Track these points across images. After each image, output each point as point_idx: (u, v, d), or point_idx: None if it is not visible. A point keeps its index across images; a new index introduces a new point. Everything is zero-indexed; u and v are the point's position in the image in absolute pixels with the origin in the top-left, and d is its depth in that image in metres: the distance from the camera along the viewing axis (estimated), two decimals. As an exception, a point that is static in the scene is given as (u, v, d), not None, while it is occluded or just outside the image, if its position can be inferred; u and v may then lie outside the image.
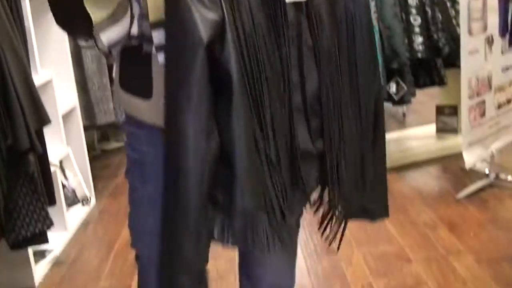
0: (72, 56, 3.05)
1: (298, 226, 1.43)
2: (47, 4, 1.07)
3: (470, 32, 2.91)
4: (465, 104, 2.87)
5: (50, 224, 2.16)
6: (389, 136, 3.83)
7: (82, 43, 1.11)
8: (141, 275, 1.36)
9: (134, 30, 1.07)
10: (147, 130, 1.16)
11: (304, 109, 1.14)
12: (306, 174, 1.15)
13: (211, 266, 2.28)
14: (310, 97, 1.14)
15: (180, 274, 1.11)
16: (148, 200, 1.21)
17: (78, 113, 3.09)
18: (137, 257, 1.32)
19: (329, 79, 1.15)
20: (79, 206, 3.02)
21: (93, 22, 1.03)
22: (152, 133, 1.13)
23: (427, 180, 3.25)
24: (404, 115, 4.33)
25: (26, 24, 2.39)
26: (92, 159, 3.31)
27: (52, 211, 2.21)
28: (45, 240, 2.19)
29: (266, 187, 1.09)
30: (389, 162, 3.58)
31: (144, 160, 1.19)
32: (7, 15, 2.08)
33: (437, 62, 3.37)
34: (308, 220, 2.75)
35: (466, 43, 2.86)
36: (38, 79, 2.41)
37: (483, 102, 2.99)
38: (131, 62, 1.16)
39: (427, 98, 4.11)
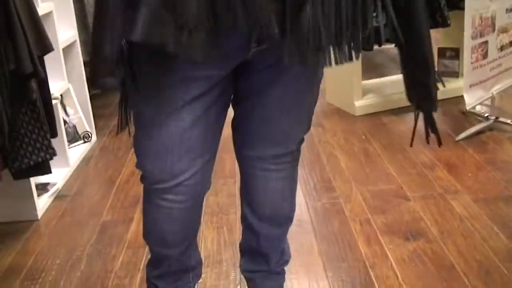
0: (71, -9, 3.01)
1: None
2: None
3: (475, -29, 2.87)
4: (467, 44, 2.85)
5: (52, 153, 2.16)
6: (389, 78, 3.82)
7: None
8: (146, 196, 1.38)
9: None
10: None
11: None
12: None
13: (212, 202, 2.34)
14: None
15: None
16: (150, 119, 1.23)
17: (78, 48, 3.07)
18: (142, 178, 1.35)
19: None
20: (80, 142, 3.04)
21: None
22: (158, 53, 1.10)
23: (426, 121, 3.26)
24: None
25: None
26: (92, 98, 3.30)
27: (53, 145, 2.21)
28: (47, 170, 2.20)
29: None
30: (389, 104, 3.60)
31: (153, 83, 1.19)
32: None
33: (440, 2, 3.33)
34: (308, 158, 2.77)
35: (471, -19, 2.83)
36: (38, 11, 2.38)
37: (486, 42, 2.97)
38: None
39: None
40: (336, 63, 1.15)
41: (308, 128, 1.44)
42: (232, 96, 1.34)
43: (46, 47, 2.09)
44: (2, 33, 1.85)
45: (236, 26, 1.02)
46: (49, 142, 2.12)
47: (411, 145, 1.41)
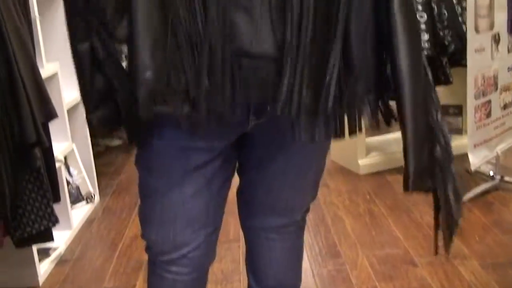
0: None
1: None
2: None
3: (476, 30, 2.89)
4: (470, 104, 2.86)
5: (55, 221, 2.14)
6: (392, 136, 3.82)
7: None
8: (151, 266, 1.36)
9: None
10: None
11: None
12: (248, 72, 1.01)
13: (216, 268, 2.30)
14: None
15: None
16: (152, 189, 1.23)
17: (83, 109, 3.07)
18: (147, 249, 1.33)
19: None
20: (83, 203, 3.02)
21: None
22: (158, 123, 1.11)
23: (431, 180, 3.24)
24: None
25: (32, 16, 2.37)
26: (96, 155, 3.30)
27: (56, 208, 2.20)
28: (50, 238, 2.18)
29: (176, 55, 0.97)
30: (393, 162, 3.58)
31: (151, 150, 1.19)
32: (14, 6, 2.06)
33: (442, 60, 3.35)
34: (313, 221, 2.74)
35: (473, 40, 2.85)
36: (43, 72, 2.39)
37: (489, 102, 2.98)
38: None
39: (431, 96, 4.09)
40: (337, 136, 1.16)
41: (314, 198, 1.42)
42: (236, 165, 1.34)
43: (50, 113, 2.09)
44: (7, 102, 1.86)
45: (234, 102, 1.02)
46: (52, 209, 2.10)
47: (435, 254, 1.37)
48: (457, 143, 3.47)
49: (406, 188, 1.20)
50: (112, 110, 1.07)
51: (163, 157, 1.18)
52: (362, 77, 1.08)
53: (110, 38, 1.00)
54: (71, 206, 2.79)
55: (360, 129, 1.18)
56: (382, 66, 1.12)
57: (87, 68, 1.06)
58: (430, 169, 1.23)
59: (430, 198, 1.27)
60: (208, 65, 0.98)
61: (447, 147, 1.25)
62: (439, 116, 1.22)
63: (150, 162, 1.21)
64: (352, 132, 1.17)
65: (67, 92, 2.87)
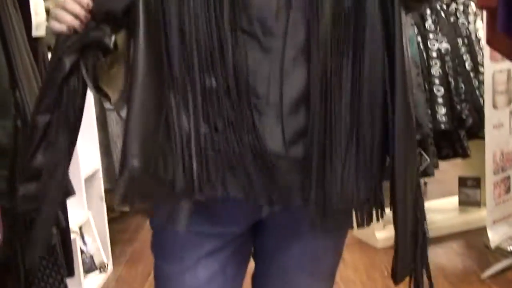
0: (97, 120, 3.07)
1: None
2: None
3: (494, 106, 2.90)
4: (489, 180, 2.84)
5: (68, 297, 2.13)
6: (411, 206, 3.77)
7: (108, 105, 1.17)
8: None
9: None
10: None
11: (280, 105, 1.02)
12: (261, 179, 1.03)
13: None
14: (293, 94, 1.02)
15: None
16: (166, 274, 1.21)
17: (100, 177, 3.09)
18: None
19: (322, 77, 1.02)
20: (96, 272, 2.99)
21: (112, 102, 1.11)
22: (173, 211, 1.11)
23: (450, 256, 3.18)
24: (425, 184, 4.28)
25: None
26: (110, 221, 3.28)
27: (69, 279, 2.18)
28: (62, 312, 2.16)
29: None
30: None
31: (164, 234, 1.19)
32: (33, 70, 2.08)
33: (460, 133, 3.34)
34: None
35: (491, 116, 2.85)
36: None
37: (508, 177, 2.95)
38: None
39: (448, 167, 4.05)
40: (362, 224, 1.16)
41: (331, 285, 1.39)
42: (252, 250, 1.32)
43: (67, 191, 2.09)
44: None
45: (249, 198, 1.03)
46: (65, 286, 2.08)
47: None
48: (475, 217, 3.44)
49: (395, 282, 1.24)
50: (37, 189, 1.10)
51: (175, 242, 1.17)
52: (376, 176, 1.12)
53: None
54: (84, 275, 2.76)
55: (369, 223, 1.19)
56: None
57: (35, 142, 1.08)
58: (414, 257, 1.25)
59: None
60: (201, 155, 1.00)
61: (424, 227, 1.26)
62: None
63: (163, 246, 1.20)
64: (360, 225, 1.18)
65: (85, 161, 2.89)
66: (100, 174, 3.10)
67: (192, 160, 1.00)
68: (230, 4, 0.98)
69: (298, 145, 1.03)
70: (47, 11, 2.30)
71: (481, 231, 3.26)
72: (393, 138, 1.09)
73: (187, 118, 1.00)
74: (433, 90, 3.23)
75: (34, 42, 2.11)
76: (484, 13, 2.34)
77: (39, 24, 2.12)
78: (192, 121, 1.00)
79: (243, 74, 0.99)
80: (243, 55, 0.99)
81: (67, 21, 1.04)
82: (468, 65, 3.34)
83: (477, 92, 3.32)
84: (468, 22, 3.44)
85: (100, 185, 3.09)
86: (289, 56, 1.00)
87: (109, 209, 3.28)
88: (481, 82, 3.24)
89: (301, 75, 1.01)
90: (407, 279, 1.25)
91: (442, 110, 3.21)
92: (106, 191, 3.18)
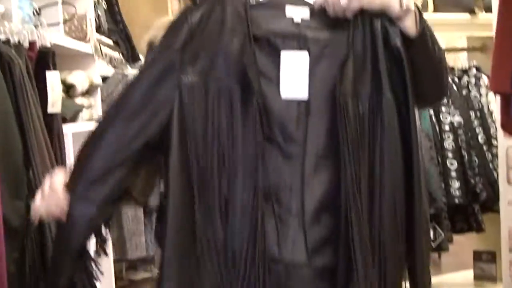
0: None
1: None
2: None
3: (509, 182, 2.87)
4: (505, 257, 2.79)
5: None
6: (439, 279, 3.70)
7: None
8: None
9: None
10: None
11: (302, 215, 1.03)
12: None
13: None
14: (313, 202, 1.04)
15: None
16: None
17: (109, 249, 3.06)
18: None
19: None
20: None
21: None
22: None
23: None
24: (439, 256, 4.20)
25: (67, 162, 2.40)
26: (119, 292, 3.24)
27: None
28: None
29: None
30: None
31: None
32: (47, 148, 2.09)
33: (474, 207, 3.30)
34: None
35: (505, 192, 2.82)
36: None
37: (524, 255, 2.90)
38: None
39: (463, 239, 3.99)
40: None
41: None
42: None
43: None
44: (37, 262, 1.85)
45: None
46: None
47: None
48: (492, 293, 3.36)
49: None
50: None
51: None
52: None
53: None
54: None
55: None
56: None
57: None
58: None
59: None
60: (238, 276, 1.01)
61: None
62: None
63: None
64: None
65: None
66: (110, 247, 3.06)
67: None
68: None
69: (322, 253, 1.04)
70: (63, 82, 2.35)
71: (498, 308, 3.18)
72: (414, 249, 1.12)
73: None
74: (446, 164, 3.22)
75: (49, 117, 2.13)
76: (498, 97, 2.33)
77: (55, 101, 2.14)
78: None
79: (266, 182, 1.00)
80: (265, 161, 1.00)
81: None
82: (481, 138, 3.34)
83: (490, 165, 3.31)
84: (480, 95, 3.46)
85: (109, 257, 3.05)
86: (310, 164, 1.02)
87: (117, 278, 3.25)
88: (495, 156, 3.22)
89: (321, 184, 1.03)
90: None
91: (455, 184, 3.19)
92: (114, 261, 3.14)
